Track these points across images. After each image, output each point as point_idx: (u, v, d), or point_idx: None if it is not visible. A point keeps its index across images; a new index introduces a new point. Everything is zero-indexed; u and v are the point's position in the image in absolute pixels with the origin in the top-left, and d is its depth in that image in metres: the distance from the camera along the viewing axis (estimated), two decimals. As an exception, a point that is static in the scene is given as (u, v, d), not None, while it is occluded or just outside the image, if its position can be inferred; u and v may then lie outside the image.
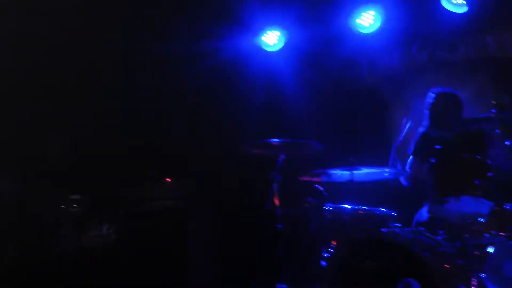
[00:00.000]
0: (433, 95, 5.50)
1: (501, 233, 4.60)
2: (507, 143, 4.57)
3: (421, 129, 5.64)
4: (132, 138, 6.78)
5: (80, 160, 6.57)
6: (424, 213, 4.92)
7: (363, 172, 5.16)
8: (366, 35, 6.67)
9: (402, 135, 5.72)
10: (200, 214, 6.57)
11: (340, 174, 5.21)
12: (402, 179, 5.53)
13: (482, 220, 4.61)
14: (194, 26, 6.69)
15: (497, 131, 4.61)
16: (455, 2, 6.17)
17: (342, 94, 7.04)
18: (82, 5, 6.22)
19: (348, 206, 5.02)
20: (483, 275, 4.58)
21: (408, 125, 5.78)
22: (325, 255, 4.91)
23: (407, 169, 5.53)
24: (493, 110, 4.60)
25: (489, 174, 4.64)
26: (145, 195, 6.50)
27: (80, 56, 6.51)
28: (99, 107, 6.71)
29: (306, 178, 5.35)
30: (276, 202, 5.26)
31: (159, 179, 6.59)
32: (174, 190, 6.52)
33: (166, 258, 6.24)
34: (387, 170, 5.26)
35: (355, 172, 5.07)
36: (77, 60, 6.51)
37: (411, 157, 5.61)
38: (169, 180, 6.52)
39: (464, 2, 6.12)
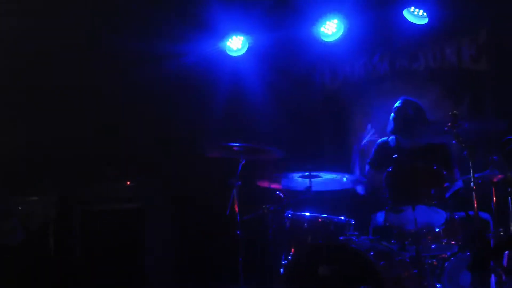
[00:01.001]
0: (400, 102, 5.57)
1: (452, 242, 4.71)
2: (463, 153, 4.65)
3: (379, 140, 5.72)
4: (94, 138, 6.71)
5: (41, 159, 6.48)
6: (379, 220, 4.99)
7: (322, 179, 5.20)
8: (329, 42, 6.72)
9: (364, 140, 5.79)
10: (159, 217, 6.55)
11: (300, 181, 5.24)
12: (358, 188, 5.59)
13: (437, 229, 4.70)
14: (159, 29, 6.66)
15: (453, 141, 4.68)
16: (416, 13, 6.28)
17: (304, 100, 7.09)
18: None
19: (308, 214, 5.06)
20: (439, 285, 4.68)
21: (371, 132, 5.86)
22: (284, 262, 4.95)
23: (364, 179, 5.61)
24: (450, 121, 4.69)
25: (445, 184, 4.72)
26: (104, 194, 6.46)
27: (36, 55, 6.40)
28: (60, 106, 6.62)
29: (266, 184, 5.36)
30: (235, 208, 5.25)
31: (119, 179, 6.54)
32: (134, 192, 6.48)
33: (124, 258, 6.23)
34: (346, 176, 5.30)
35: (314, 179, 5.11)
36: (34, 61, 6.42)
37: (367, 166, 5.69)
38: (129, 182, 6.48)
39: (425, 14, 6.23)
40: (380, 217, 4.96)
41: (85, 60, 6.61)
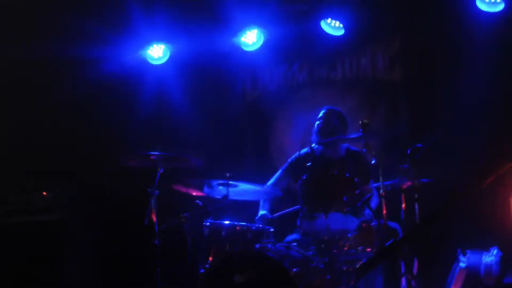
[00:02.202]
0: (324, 112, 5.63)
1: (368, 249, 4.84)
2: (372, 162, 4.80)
3: (302, 152, 5.73)
4: (10, 147, 6.54)
5: None
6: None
7: (240, 188, 5.23)
8: (250, 52, 6.79)
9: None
10: (76, 227, 6.43)
11: (219, 189, 5.26)
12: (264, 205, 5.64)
13: (349, 235, 4.82)
14: (80, 31, 6.53)
15: (364, 150, 4.82)
16: (333, 25, 6.44)
17: (226, 109, 7.14)
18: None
19: (227, 222, 5.09)
20: None
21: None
22: (201, 270, 4.96)
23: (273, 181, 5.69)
24: (361, 130, 4.83)
25: (357, 191, 4.85)
26: (21, 206, 6.29)
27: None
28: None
29: (183, 189, 5.34)
30: (153, 217, 5.22)
31: (36, 190, 6.38)
32: (51, 202, 6.34)
33: (40, 271, 6.07)
34: (262, 187, 5.35)
35: (231, 188, 5.14)
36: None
37: (279, 171, 5.74)
38: (45, 193, 6.33)
39: (341, 25, 6.39)
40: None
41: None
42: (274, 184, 5.68)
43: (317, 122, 5.63)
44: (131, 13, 6.47)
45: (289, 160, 5.78)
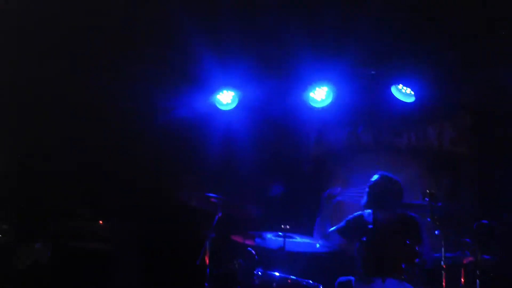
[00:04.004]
0: (377, 176, 5.62)
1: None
2: (436, 232, 4.73)
3: (355, 214, 5.66)
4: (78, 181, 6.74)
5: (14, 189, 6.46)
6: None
7: (296, 241, 5.22)
8: (318, 108, 6.86)
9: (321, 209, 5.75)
10: (128, 260, 6.48)
11: (274, 239, 5.26)
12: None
13: (405, 304, 4.73)
14: (154, 84, 6.76)
15: (428, 219, 4.77)
16: (404, 91, 6.46)
17: (288, 162, 7.16)
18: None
19: (277, 274, 5.06)
20: None
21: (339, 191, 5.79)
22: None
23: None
24: (427, 199, 4.79)
25: (416, 259, 4.78)
26: (75, 232, 6.40)
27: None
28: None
29: (240, 239, 5.37)
30: (206, 259, 5.23)
31: (92, 218, 6.50)
32: (105, 232, 6.43)
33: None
34: (320, 242, 5.32)
35: (288, 239, 5.13)
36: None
37: (335, 233, 5.63)
38: (101, 222, 6.44)
39: (412, 93, 6.41)
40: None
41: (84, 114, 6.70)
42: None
43: (368, 187, 5.58)
44: (203, 60, 6.62)
45: (343, 222, 5.75)
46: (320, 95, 6.80)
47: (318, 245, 5.35)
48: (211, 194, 5.31)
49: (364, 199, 5.55)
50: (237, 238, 5.41)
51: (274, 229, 5.20)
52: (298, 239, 5.21)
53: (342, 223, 5.74)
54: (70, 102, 6.68)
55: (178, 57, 6.61)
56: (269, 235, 5.25)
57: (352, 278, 5.07)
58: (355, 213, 5.71)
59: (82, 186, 6.77)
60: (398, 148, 6.75)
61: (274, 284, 5.03)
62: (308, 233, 5.31)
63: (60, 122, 6.71)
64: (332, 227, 5.51)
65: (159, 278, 6.66)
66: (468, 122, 6.42)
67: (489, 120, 6.29)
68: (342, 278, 5.26)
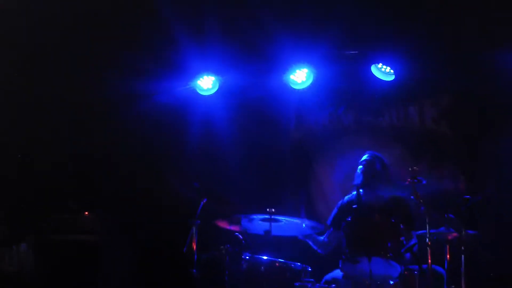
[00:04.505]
0: (368, 156, 5.65)
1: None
2: (421, 209, 4.78)
3: (345, 198, 5.76)
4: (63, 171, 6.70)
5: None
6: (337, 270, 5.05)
7: (282, 223, 5.22)
8: (298, 90, 6.85)
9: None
10: (114, 250, 6.46)
11: (260, 224, 5.26)
12: (318, 248, 5.67)
13: (391, 282, 4.77)
14: (134, 69, 6.70)
15: (412, 197, 4.81)
16: (383, 70, 6.47)
17: (269, 145, 7.15)
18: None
19: (265, 257, 5.08)
20: None
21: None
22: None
23: (325, 239, 5.67)
24: (409, 178, 4.83)
25: (401, 238, 4.82)
26: (62, 225, 6.36)
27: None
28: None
29: (225, 224, 5.37)
30: (193, 246, 5.23)
31: (77, 210, 6.46)
32: (91, 224, 6.40)
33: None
34: (306, 222, 5.34)
35: (274, 223, 5.14)
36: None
37: (330, 228, 5.72)
38: (87, 213, 6.40)
39: (392, 71, 6.42)
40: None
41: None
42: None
43: (360, 166, 5.65)
44: (182, 46, 6.57)
45: (334, 210, 5.80)
46: (300, 77, 6.79)
47: (304, 225, 5.36)
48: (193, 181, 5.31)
49: (357, 179, 5.59)
50: (223, 224, 5.40)
51: (259, 212, 5.18)
52: (285, 220, 5.20)
53: (331, 215, 5.80)
54: (48, 93, 6.61)
55: (157, 43, 6.54)
56: (255, 216, 5.24)
57: (338, 276, 5.10)
58: (346, 198, 5.77)
59: (65, 177, 6.71)
60: (380, 128, 6.77)
61: (262, 268, 5.04)
62: (293, 214, 5.30)
63: (40, 113, 6.63)
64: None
65: (147, 267, 6.65)
66: (449, 100, 6.45)
67: (470, 97, 6.33)
68: (327, 276, 5.31)
